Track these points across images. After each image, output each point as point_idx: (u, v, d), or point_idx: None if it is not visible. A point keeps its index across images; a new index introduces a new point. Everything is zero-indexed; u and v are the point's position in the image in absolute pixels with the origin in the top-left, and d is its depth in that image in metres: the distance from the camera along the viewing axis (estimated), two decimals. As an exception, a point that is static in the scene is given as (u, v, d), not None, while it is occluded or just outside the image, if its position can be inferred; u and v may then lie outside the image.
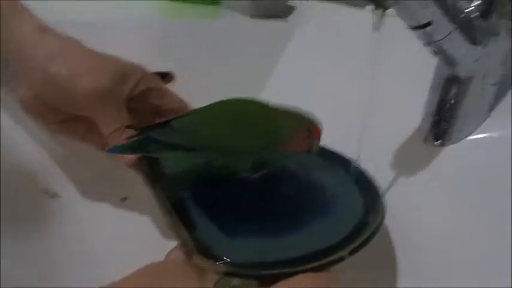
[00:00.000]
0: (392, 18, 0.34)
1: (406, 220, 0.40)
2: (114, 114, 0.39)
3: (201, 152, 0.37)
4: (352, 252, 0.31)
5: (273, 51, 0.59)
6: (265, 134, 0.37)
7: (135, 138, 0.37)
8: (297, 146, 0.37)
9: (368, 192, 0.38)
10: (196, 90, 0.55)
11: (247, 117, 0.38)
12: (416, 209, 0.41)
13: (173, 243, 0.33)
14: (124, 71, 0.40)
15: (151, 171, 0.38)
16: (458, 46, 0.37)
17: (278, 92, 0.57)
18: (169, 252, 0.32)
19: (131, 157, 0.39)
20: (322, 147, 0.41)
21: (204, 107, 0.39)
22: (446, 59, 0.38)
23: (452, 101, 0.41)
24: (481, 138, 0.41)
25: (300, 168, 0.41)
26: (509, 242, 0.35)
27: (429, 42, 0.36)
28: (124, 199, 0.49)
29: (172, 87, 0.54)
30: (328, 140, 0.41)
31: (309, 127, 0.37)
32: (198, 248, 0.31)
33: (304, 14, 0.61)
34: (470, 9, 0.36)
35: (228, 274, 0.29)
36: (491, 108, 0.41)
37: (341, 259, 0.31)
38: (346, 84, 0.50)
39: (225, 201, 0.37)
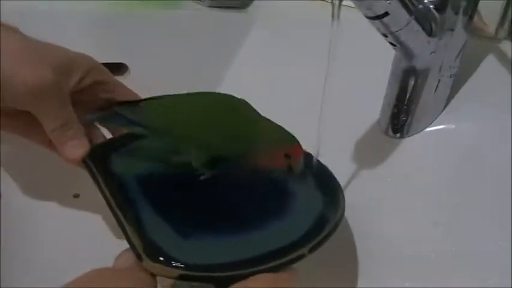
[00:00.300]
0: (351, 9, 0.33)
1: (366, 213, 0.40)
2: (58, 110, 0.36)
3: (161, 136, 0.37)
4: (312, 249, 0.30)
5: (232, 42, 0.57)
6: (237, 137, 0.35)
7: (105, 113, 0.37)
8: (274, 163, 0.35)
9: (327, 188, 0.37)
10: (152, 82, 0.53)
11: (226, 114, 0.37)
12: (376, 201, 0.41)
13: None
14: (69, 63, 0.37)
15: (99, 169, 0.35)
16: (415, 37, 0.37)
17: (237, 83, 0.55)
18: (119, 256, 0.30)
19: (76, 155, 0.36)
20: None
21: (181, 94, 0.38)
22: (404, 50, 0.38)
23: (411, 93, 0.41)
24: (438, 129, 0.41)
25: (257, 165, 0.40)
26: (468, 232, 0.35)
27: (387, 32, 0.36)
28: (77, 196, 0.46)
29: (126, 80, 0.52)
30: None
31: (288, 146, 0.35)
32: (149, 250, 0.29)
33: (264, 5, 0.60)
34: (427, 1, 0.36)
35: (182, 277, 0.28)
36: (449, 99, 0.42)
37: (301, 257, 0.30)
38: (304, 77, 0.50)
39: (178, 200, 0.35)
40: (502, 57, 0.42)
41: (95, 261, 0.29)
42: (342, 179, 0.41)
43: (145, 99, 0.39)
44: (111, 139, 0.41)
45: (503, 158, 0.38)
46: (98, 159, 0.36)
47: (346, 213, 0.35)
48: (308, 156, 0.39)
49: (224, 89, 0.40)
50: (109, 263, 0.30)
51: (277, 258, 0.29)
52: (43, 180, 0.46)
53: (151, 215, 0.32)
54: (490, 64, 0.42)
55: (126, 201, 0.33)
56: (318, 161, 0.38)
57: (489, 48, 0.42)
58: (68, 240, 0.44)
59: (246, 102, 0.37)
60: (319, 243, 0.31)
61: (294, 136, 0.36)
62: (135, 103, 0.39)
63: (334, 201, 0.35)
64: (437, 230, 0.37)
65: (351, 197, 0.38)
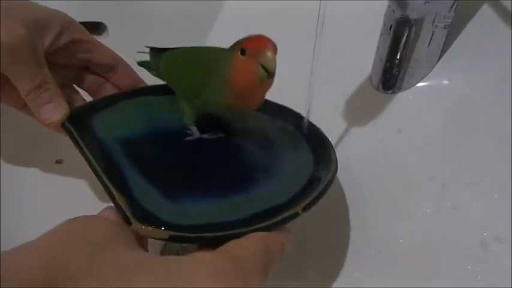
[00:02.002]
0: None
1: (359, 170, 0.39)
2: (32, 71, 0.33)
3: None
4: (306, 208, 0.29)
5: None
6: (206, 69, 0.33)
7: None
8: (243, 75, 0.30)
9: (319, 147, 0.36)
10: (132, 41, 0.50)
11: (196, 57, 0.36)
12: (369, 158, 0.40)
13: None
14: (43, 19, 0.35)
15: (80, 132, 0.33)
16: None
17: (221, 41, 0.53)
18: (102, 211, 0.28)
19: (54, 118, 0.34)
20: (269, 102, 0.39)
21: (194, 48, 0.37)
22: (398, -1, 0.36)
23: (404, 46, 0.39)
24: (431, 84, 0.40)
25: (246, 124, 0.38)
26: (465, 186, 0.35)
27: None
28: (60, 161, 0.45)
29: (105, 40, 0.50)
30: (277, 93, 0.38)
31: (241, 44, 0.30)
32: (137, 212, 0.27)
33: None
34: None
35: (172, 238, 0.27)
36: (442, 53, 0.40)
37: (294, 216, 0.29)
38: (292, 36, 0.48)
39: (164, 162, 0.33)
40: (496, 9, 0.40)
41: None
42: (333, 137, 0.41)
43: (167, 49, 0.38)
44: (91, 102, 0.39)
45: (496, 112, 0.38)
46: (78, 123, 0.34)
47: (339, 171, 0.34)
48: (298, 116, 0.38)
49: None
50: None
51: (270, 218, 0.28)
52: (23, 147, 0.44)
53: (137, 178, 0.31)
54: (484, 16, 0.40)
55: (110, 164, 0.31)
56: (308, 120, 0.37)
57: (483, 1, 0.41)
58: (53, 207, 0.42)
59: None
60: (313, 202, 0.30)
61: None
62: (161, 51, 0.39)
63: (326, 160, 0.34)
64: (433, 184, 0.37)
65: (343, 155, 0.38)
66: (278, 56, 0.47)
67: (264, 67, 0.30)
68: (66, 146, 0.39)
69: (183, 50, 0.37)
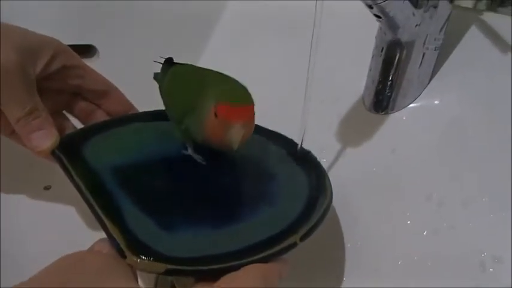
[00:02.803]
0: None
1: (354, 192, 0.39)
2: (23, 97, 0.33)
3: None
4: (304, 237, 0.29)
5: (207, 19, 0.55)
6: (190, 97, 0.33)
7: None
8: (213, 134, 0.30)
9: (313, 173, 0.36)
10: (123, 64, 0.50)
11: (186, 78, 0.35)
12: (364, 179, 0.40)
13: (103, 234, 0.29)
14: (34, 45, 0.34)
15: (70, 160, 0.32)
16: (400, 8, 0.35)
17: (213, 63, 0.53)
18: (94, 244, 0.27)
19: (44, 146, 0.33)
20: (263, 129, 0.39)
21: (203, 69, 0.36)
22: (389, 22, 0.37)
23: (395, 67, 0.40)
24: (423, 104, 0.41)
25: (241, 152, 0.37)
26: (461, 206, 0.34)
27: (372, 3, 0.34)
28: (48, 188, 0.44)
29: (96, 63, 0.49)
30: (270, 119, 0.38)
31: (215, 105, 0.29)
32: (132, 245, 0.26)
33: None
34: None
35: (169, 272, 0.26)
36: (433, 73, 0.41)
37: (292, 246, 0.28)
38: (285, 56, 0.48)
39: (158, 190, 0.33)
40: (484, 29, 0.41)
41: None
42: (328, 157, 0.41)
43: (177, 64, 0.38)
44: (82, 128, 0.38)
45: (489, 130, 0.38)
46: (69, 150, 0.33)
47: (334, 193, 0.34)
48: (292, 143, 0.38)
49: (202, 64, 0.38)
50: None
51: (268, 248, 0.28)
52: (10, 172, 0.43)
53: (131, 208, 0.30)
54: (473, 36, 0.41)
55: (103, 193, 0.30)
56: (302, 147, 0.37)
57: (472, 20, 0.41)
58: (41, 235, 0.41)
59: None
60: (311, 230, 0.29)
61: (236, 90, 0.30)
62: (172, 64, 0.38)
63: (322, 186, 0.34)
64: (429, 204, 0.36)
65: (337, 175, 0.38)
66: (271, 80, 0.48)
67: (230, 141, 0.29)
68: (54, 171, 0.38)
69: (185, 69, 0.37)
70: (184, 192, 0.33)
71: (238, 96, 0.29)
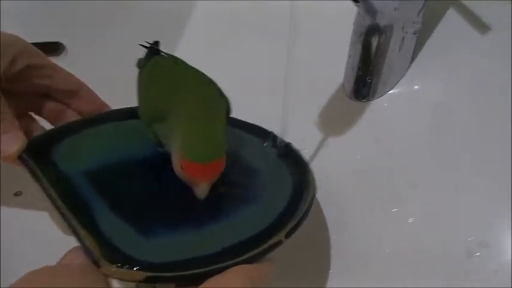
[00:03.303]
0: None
1: (338, 182, 0.38)
2: None
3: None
4: (289, 234, 0.27)
5: (178, 13, 0.53)
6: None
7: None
8: (182, 177, 0.28)
9: (295, 167, 0.34)
10: (92, 61, 0.48)
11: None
12: (348, 169, 0.39)
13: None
14: None
15: (39, 165, 0.30)
16: (378, -8, 0.34)
17: (189, 58, 0.51)
18: (65, 255, 0.26)
19: (10, 150, 0.31)
20: (241, 122, 0.37)
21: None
22: (367, 6, 0.36)
23: (375, 53, 0.39)
24: (404, 90, 0.40)
25: None
26: (447, 192, 0.34)
27: (350, -12, 0.33)
28: (19, 193, 0.41)
29: (64, 61, 0.47)
30: (249, 114, 0.37)
31: (180, 157, 0.27)
32: (108, 254, 0.25)
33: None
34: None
35: (149, 280, 0.24)
36: (413, 58, 0.40)
37: (277, 244, 0.27)
38: (262, 46, 0.47)
39: (133, 193, 0.31)
40: (462, 11, 0.40)
41: (43, 262, 0.25)
42: (310, 148, 0.40)
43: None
44: (51, 130, 0.36)
45: (472, 114, 0.37)
46: (37, 154, 0.31)
47: (317, 185, 0.33)
48: (272, 135, 0.36)
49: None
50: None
51: (252, 248, 0.26)
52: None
53: (105, 213, 0.28)
54: (451, 19, 0.40)
55: (75, 199, 0.29)
56: (283, 140, 0.36)
57: (449, 3, 0.41)
58: (13, 242, 0.39)
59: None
60: (295, 227, 0.28)
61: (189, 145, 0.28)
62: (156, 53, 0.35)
63: (304, 181, 0.33)
64: (414, 192, 0.36)
65: (321, 166, 0.36)
66: (249, 69, 0.46)
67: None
68: (25, 176, 0.36)
69: (164, 65, 0.34)
70: (161, 194, 0.31)
71: (204, 152, 0.27)
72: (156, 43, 0.36)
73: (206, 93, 0.32)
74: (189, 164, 0.27)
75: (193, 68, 0.34)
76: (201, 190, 0.28)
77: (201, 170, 0.27)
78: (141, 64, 0.35)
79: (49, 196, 0.28)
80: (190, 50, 0.49)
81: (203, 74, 0.33)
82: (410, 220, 0.35)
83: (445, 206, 0.35)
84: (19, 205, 0.41)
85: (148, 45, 0.36)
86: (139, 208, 0.29)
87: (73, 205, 0.28)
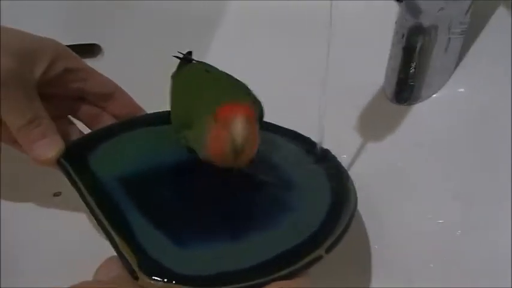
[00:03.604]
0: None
1: (378, 189, 0.37)
2: (23, 105, 0.31)
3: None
4: (329, 249, 0.26)
5: (214, 15, 0.53)
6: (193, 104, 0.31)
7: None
8: (216, 146, 0.27)
9: (334, 175, 0.33)
10: (129, 63, 0.48)
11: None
12: (388, 175, 0.37)
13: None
14: (33, 49, 0.32)
15: (76, 170, 0.30)
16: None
17: (226, 61, 0.50)
18: (100, 267, 0.25)
19: (48, 155, 0.31)
20: (277, 126, 0.36)
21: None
22: (410, 5, 0.34)
23: (418, 55, 0.37)
24: (449, 93, 0.38)
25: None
26: (491, 203, 0.32)
27: (393, -12, 0.32)
28: (58, 194, 0.42)
29: (100, 62, 0.47)
30: (285, 118, 0.36)
31: (213, 114, 0.26)
32: (145, 265, 0.24)
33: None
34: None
35: None
36: (459, 60, 0.38)
37: (318, 259, 0.26)
38: (297, 53, 0.46)
39: (170, 202, 0.30)
40: (509, 10, 0.38)
41: (82, 264, 0.25)
42: (348, 153, 0.39)
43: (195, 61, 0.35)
44: (88, 135, 0.36)
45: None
46: (75, 159, 0.31)
47: (356, 193, 0.32)
48: (311, 142, 0.35)
49: (210, 59, 0.36)
50: (97, 266, 0.27)
51: (292, 263, 0.25)
52: (18, 179, 0.42)
53: (142, 222, 0.28)
54: (501, 18, 0.38)
55: (111, 207, 0.28)
56: (322, 147, 0.35)
57: (497, 2, 0.39)
58: (52, 243, 0.40)
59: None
60: (336, 241, 0.27)
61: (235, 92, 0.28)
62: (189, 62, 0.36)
63: (344, 190, 0.31)
64: (458, 202, 0.34)
65: (359, 171, 0.36)
66: (286, 70, 0.45)
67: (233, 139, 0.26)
68: (64, 177, 0.37)
69: (194, 72, 0.34)
70: (196, 202, 0.31)
71: (236, 97, 0.27)
72: (189, 53, 0.36)
73: (238, 97, 0.31)
74: (222, 108, 0.26)
75: (225, 74, 0.33)
76: (239, 127, 0.25)
77: (235, 107, 0.26)
78: (174, 73, 0.35)
79: (86, 203, 0.28)
80: (225, 52, 0.48)
81: (236, 80, 0.33)
82: (456, 231, 0.33)
83: (491, 218, 0.33)
84: (58, 206, 0.41)
85: (181, 55, 0.36)
86: (174, 217, 0.29)
87: (109, 213, 0.28)
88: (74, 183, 0.30)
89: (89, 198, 0.28)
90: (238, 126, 0.25)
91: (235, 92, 0.30)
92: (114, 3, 0.49)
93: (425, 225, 0.34)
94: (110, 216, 0.27)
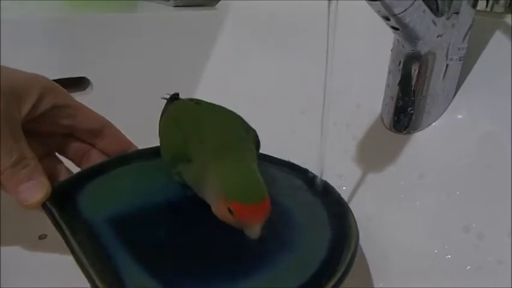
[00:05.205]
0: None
1: (380, 222, 0.35)
2: (8, 145, 0.29)
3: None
4: None
5: (205, 42, 0.52)
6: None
7: None
8: (227, 220, 0.27)
9: (335, 210, 0.31)
10: (119, 95, 0.47)
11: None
12: (390, 209, 0.36)
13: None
14: (19, 87, 0.31)
15: (62, 214, 0.29)
16: (420, 18, 0.32)
17: (213, 86, 0.50)
18: None
19: (33, 199, 0.29)
20: (274, 158, 0.35)
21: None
22: (408, 33, 0.33)
23: (416, 82, 0.36)
24: (450, 121, 0.37)
25: None
26: (505, 240, 0.30)
27: (389, 15, 0.31)
28: (43, 237, 0.40)
29: (89, 96, 0.46)
30: (280, 147, 0.35)
31: (228, 200, 0.26)
32: None
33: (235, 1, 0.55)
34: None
35: None
36: (458, 86, 0.37)
37: None
38: (293, 74, 0.45)
39: (161, 243, 0.29)
40: (508, 33, 0.37)
41: None
42: (347, 185, 0.37)
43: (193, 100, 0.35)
44: (76, 175, 0.34)
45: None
46: (61, 201, 0.30)
47: (358, 226, 0.30)
48: (310, 175, 0.34)
49: (202, 93, 0.35)
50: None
51: None
52: (2, 220, 0.39)
53: (132, 267, 0.26)
54: (497, 42, 0.37)
55: (99, 252, 0.27)
56: (319, 179, 0.33)
57: (492, 25, 0.38)
58: (35, 283, 0.37)
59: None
60: (339, 282, 0.25)
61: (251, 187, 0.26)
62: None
63: (345, 226, 0.30)
64: (469, 236, 0.32)
65: (360, 205, 0.34)
66: (280, 95, 0.44)
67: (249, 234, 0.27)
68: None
69: (182, 107, 0.34)
70: (193, 244, 0.29)
71: (253, 193, 0.26)
72: (177, 95, 0.36)
73: (233, 130, 0.30)
74: (240, 206, 0.26)
75: (216, 106, 0.33)
76: (255, 231, 0.26)
77: (253, 211, 0.26)
78: (163, 110, 0.35)
79: (71, 248, 0.27)
80: (216, 86, 0.47)
81: (228, 111, 0.32)
82: (467, 267, 0.31)
83: (506, 252, 0.31)
84: (44, 249, 0.39)
85: (168, 96, 0.36)
86: (167, 260, 0.27)
87: (96, 258, 0.26)
88: (58, 227, 0.28)
89: (74, 243, 0.27)
90: (255, 232, 0.26)
91: (231, 129, 0.30)
92: (102, 36, 0.48)
93: (434, 263, 0.32)
94: (95, 262, 0.25)
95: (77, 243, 0.27)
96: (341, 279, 0.25)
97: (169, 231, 0.30)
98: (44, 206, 0.29)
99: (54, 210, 0.29)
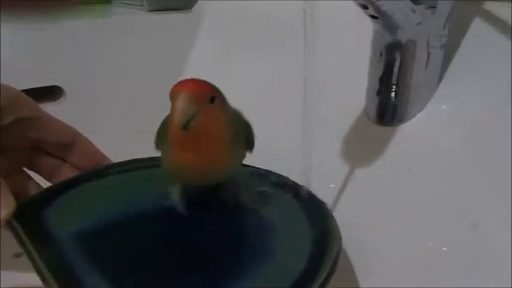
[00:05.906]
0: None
1: (370, 218, 0.34)
2: None
3: None
4: None
5: (182, 46, 0.51)
6: None
7: None
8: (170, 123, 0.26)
9: (316, 216, 0.30)
10: (93, 104, 0.45)
11: None
12: (381, 203, 0.34)
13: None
14: None
15: (27, 232, 0.27)
16: (399, 6, 0.31)
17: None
18: None
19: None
20: (257, 168, 0.34)
21: None
22: (387, 22, 0.32)
23: (398, 72, 0.35)
24: (435, 110, 0.36)
25: (229, 194, 0.32)
26: (501, 230, 0.29)
27: (367, 3, 0.30)
28: (19, 255, 0.38)
29: (63, 106, 0.44)
30: (264, 146, 0.33)
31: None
32: None
33: (210, 4, 0.54)
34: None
35: None
36: (441, 74, 0.36)
37: None
38: (274, 73, 0.44)
39: (135, 258, 0.27)
40: (489, 19, 0.37)
41: None
42: (335, 183, 0.36)
43: None
44: (45, 190, 0.33)
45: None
46: (27, 219, 0.28)
47: (345, 226, 0.29)
48: (289, 182, 0.33)
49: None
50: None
51: None
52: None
53: (96, 283, 0.25)
54: (478, 29, 0.37)
55: (62, 269, 0.25)
56: (298, 185, 0.32)
57: (474, 12, 0.37)
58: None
59: None
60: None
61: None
62: None
63: (327, 231, 0.28)
64: (464, 227, 0.31)
65: (349, 202, 0.33)
66: (261, 96, 0.43)
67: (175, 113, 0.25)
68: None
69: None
70: (166, 258, 0.28)
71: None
72: None
73: None
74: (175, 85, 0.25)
75: None
76: (179, 109, 0.24)
77: (179, 85, 0.25)
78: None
79: (36, 267, 0.25)
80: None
81: None
82: (466, 261, 0.30)
83: (505, 243, 0.30)
84: (19, 268, 0.37)
85: None
86: (140, 277, 0.26)
87: (60, 275, 0.25)
88: (22, 244, 0.27)
89: (38, 260, 0.25)
90: (179, 103, 0.25)
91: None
92: (76, 43, 0.47)
93: (429, 257, 0.31)
94: (60, 279, 0.24)
95: (41, 260, 0.25)
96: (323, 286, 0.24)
97: (139, 245, 0.28)
98: (9, 223, 0.28)
99: (18, 227, 0.28)
